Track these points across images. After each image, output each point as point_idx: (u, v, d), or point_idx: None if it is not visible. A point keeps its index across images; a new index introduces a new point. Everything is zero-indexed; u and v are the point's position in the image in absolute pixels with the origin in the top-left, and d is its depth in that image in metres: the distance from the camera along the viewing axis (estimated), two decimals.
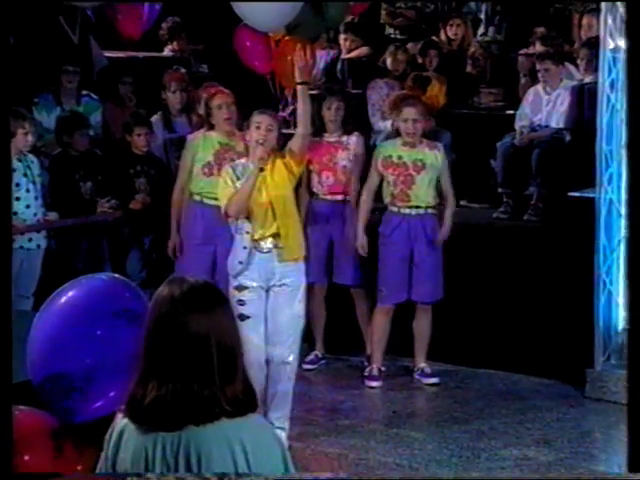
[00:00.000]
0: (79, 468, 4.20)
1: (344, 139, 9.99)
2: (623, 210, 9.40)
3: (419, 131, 9.52)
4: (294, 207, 8.71)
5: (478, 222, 10.99)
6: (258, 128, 8.50)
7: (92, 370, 4.30)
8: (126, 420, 3.87)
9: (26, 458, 4.33)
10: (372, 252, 9.73)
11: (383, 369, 9.83)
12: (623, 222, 9.42)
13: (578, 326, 9.52)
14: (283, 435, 8.37)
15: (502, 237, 10.75)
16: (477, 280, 10.18)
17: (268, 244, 8.42)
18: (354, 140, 10.08)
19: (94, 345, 4.41)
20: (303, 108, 8.65)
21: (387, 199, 9.64)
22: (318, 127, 9.94)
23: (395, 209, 9.60)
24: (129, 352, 3.97)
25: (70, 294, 4.73)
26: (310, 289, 9.53)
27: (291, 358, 8.53)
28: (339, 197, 10.01)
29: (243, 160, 8.71)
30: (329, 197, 10.00)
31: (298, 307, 8.58)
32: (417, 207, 9.56)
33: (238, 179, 8.55)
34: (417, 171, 9.45)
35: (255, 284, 8.46)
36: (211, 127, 9.63)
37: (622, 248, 9.44)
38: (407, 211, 9.57)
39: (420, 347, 9.79)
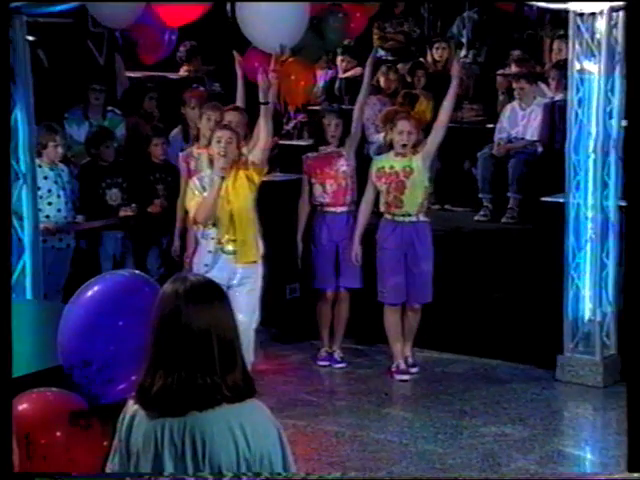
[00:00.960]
0: (105, 444, 4.14)
1: (341, 149, 9.85)
2: (589, 213, 9.36)
3: (411, 142, 9.39)
4: (253, 215, 8.72)
5: (461, 224, 10.93)
6: (219, 142, 8.55)
7: (115, 356, 4.27)
8: (136, 406, 3.88)
9: (58, 434, 4.28)
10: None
11: (411, 360, 9.68)
12: (589, 224, 9.38)
13: (549, 317, 9.49)
14: None
15: (482, 238, 10.76)
16: (460, 276, 10.15)
17: (230, 247, 8.55)
18: (347, 149, 9.92)
19: (117, 334, 4.40)
20: (264, 125, 8.68)
21: (382, 208, 9.50)
22: (318, 140, 9.97)
23: (389, 216, 9.46)
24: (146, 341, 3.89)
25: (96, 289, 4.70)
26: (322, 295, 9.72)
27: (241, 317, 8.20)
28: (344, 208, 9.78)
29: (208, 172, 8.72)
30: (332, 209, 9.76)
31: (251, 303, 8.68)
32: (409, 215, 9.39)
33: (204, 189, 8.63)
34: (406, 176, 9.34)
35: (218, 281, 8.41)
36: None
37: (588, 247, 9.40)
38: (401, 219, 9.41)
39: (408, 343, 9.65)
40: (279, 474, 3.86)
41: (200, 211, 8.65)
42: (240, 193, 8.60)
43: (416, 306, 9.55)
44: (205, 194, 8.63)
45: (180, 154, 9.99)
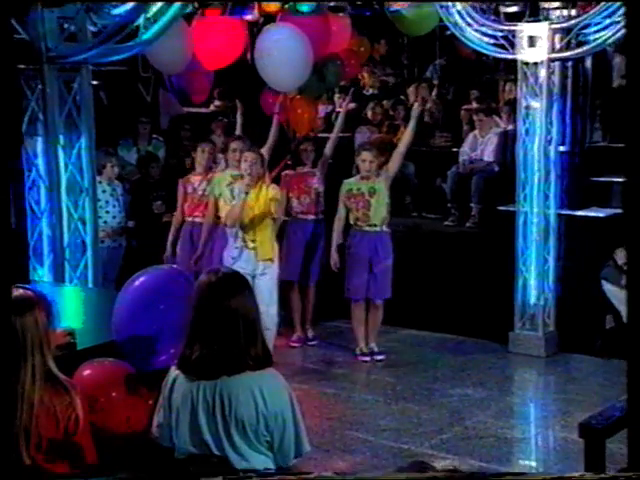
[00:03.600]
0: (150, 402, 4.10)
1: (314, 170, 9.73)
2: (534, 219, 9.42)
3: (373, 169, 9.13)
4: (270, 222, 8.63)
5: (433, 228, 10.86)
6: (246, 161, 8.51)
7: (157, 333, 4.26)
8: (178, 371, 3.91)
9: (113, 394, 4.25)
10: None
11: (376, 350, 9.38)
12: (534, 228, 9.45)
13: (503, 301, 9.52)
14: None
15: (450, 239, 10.69)
16: (432, 270, 10.08)
17: (252, 245, 8.51)
18: (319, 170, 9.82)
19: (158, 316, 4.38)
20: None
21: (352, 221, 9.25)
22: (295, 163, 9.86)
23: (358, 227, 9.21)
24: (182, 321, 3.95)
25: (142, 279, 4.66)
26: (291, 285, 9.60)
27: (271, 323, 8.42)
28: (312, 216, 9.64)
29: (238, 184, 8.66)
30: (304, 216, 9.65)
31: (273, 283, 8.64)
32: (375, 225, 9.17)
33: (233, 198, 8.64)
34: (371, 196, 9.10)
35: (243, 272, 8.39)
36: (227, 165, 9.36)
37: (534, 247, 9.47)
38: (367, 229, 9.18)
39: (372, 333, 9.39)
40: (284, 473, 3.84)
41: (229, 216, 8.66)
42: (262, 204, 8.54)
43: (378, 302, 9.31)
44: (234, 202, 8.62)
45: (180, 180, 9.72)
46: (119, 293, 4.76)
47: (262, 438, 3.84)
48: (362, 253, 9.21)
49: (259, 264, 8.58)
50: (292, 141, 11.07)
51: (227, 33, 10.39)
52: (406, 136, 9.39)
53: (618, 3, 8.76)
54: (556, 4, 9.19)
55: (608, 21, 8.97)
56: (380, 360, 9.34)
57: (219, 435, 3.83)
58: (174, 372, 3.93)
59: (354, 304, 9.36)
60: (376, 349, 9.41)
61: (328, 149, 9.79)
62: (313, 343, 9.85)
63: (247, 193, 8.47)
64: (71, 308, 5.98)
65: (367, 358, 9.34)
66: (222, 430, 3.82)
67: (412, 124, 9.40)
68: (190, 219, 9.50)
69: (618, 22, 8.87)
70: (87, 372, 4.32)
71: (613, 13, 8.90)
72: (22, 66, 6.76)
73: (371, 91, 14.01)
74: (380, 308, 9.35)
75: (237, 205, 8.55)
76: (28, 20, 6.79)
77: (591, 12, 9.11)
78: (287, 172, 9.85)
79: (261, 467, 3.86)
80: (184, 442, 3.88)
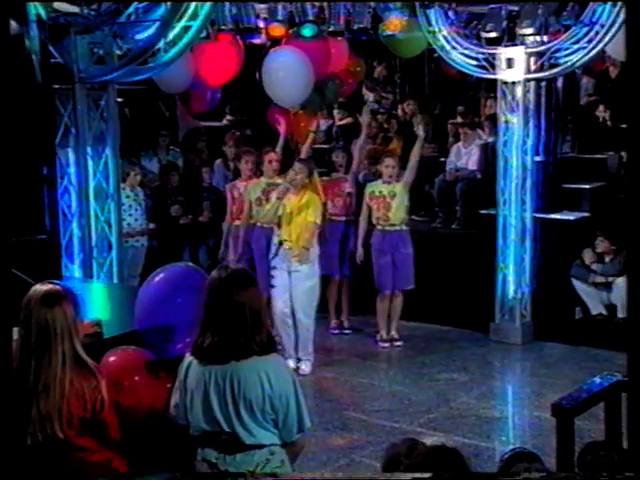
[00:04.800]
0: (168, 385, 4.08)
1: (347, 176, 9.70)
2: (513, 222, 9.40)
3: (395, 173, 9.18)
4: (311, 226, 8.38)
5: (422, 229, 10.74)
6: (292, 170, 8.42)
7: (175, 324, 4.25)
8: (192, 357, 3.90)
9: (136, 378, 4.24)
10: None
11: (396, 336, 9.36)
12: (513, 230, 9.40)
13: (485, 296, 9.50)
14: (309, 364, 8.40)
15: (438, 240, 10.60)
16: (422, 267, 9.77)
17: (287, 245, 8.32)
18: (350, 178, 9.81)
19: (176, 308, 4.37)
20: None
21: (374, 221, 9.24)
22: (330, 169, 9.82)
23: (381, 227, 9.20)
24: (197, 313, 3.92)
25: (162, 275, 4.65)
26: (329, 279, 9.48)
27: (302, 317, 8.35)
28: (344, 218, 9.56)
29: (275, 190, 8.55)
30: (338, 218, 9.52)
31: (309, 285, 8.39)
32: (395, 225, 9.16)
33: (268, 202, 8.58)
34: (392, 198, 9.12)
35: (280, 267, 8.33)
36: (262, 173, 9.20)
37: (512, 246, 9.43)
38: (388, 228, 9.17)
39: (394, 322, 9.38)
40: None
41: (264, 216, 8.61)
42: (303, 210, 8.36)
43: (398, 292, 9.31)
44: (267, 206, 8.57)
45: (226, 185, 9.74)
46: (141, 288, 4.76)
47: (268, 416, 3.84)
48: (385, 250, 9.19)
49: (294, 262, 8.35)
50: (295, 151, 11.06)
51: (224, 55, 10.57)
52: (416, 152, 9.33)
53: (585, 29, 8.87)
54: (531, 31, 9.20)
55: (576, 46, 9.07)
56: (399, 346, 9.33)
57: (229, 414, 3.82)
58: (188, 358, 3.92)
59: (380, 296, 9.34)
60: (396, 336, 9.40)
61: (356, 159, 9.73)
62: (348, 332, 9.80)
63: (280, 199, 8.34)
64: (98, 301, 6.01)
65: (387, 344, 9.33)
66: (232, 409, 3.82)
67: (419, 143, 9.37)
68: (238, 222, 9.34)
69: (584, 47, 9.01)
70: (112, 358, 4.32)
71: (580, 39, 9.01)
72: (56, 86, 6.79)
73: (377, 106, 14.01)
74: (401, 297, 9.35)
75: (271, 208, 8.45)
76: (63, 46, 6.83)
77: (561, 39, 9.16)
78: (323, 178, 9.70)
79: (267, 442, 3.86)
80: (198, 420, 3.88)
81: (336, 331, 9.80)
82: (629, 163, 2.96)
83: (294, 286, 8.33)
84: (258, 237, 9.00)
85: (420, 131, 9.48)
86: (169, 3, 6.84)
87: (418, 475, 3.04)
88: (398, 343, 9.38)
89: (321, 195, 8.71)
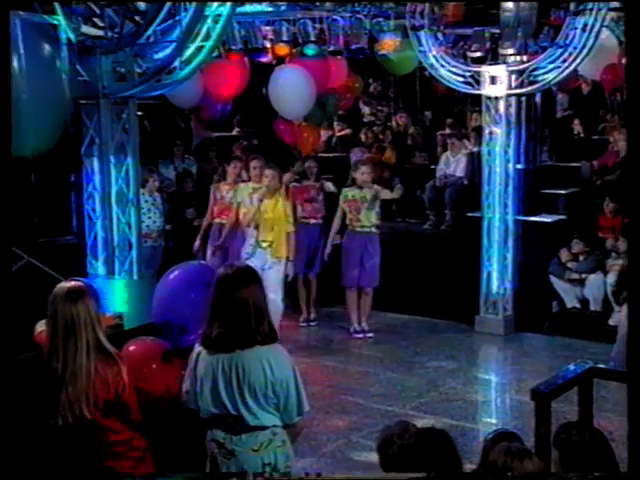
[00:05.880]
0: (183, 373, 4.05)
1: (316, 184, 9.76)
2: (497, 224, 9.34)
3: (368, 180, 9.06)
4: (283, 225, 8.47)
5: (414, 231, 10.78)
6: (266, 176, 8.45)
7: (189, 317, 4.23)
8: (201, 347, 3.89)
9: (154, 366, 4.23)
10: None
11: (367, 328, 9.32)
12: (496, 231, 9.37)
13: (471, 291, 9.49)
14: None
15: (428, 240, 10.59)
16: (414, 265, 9.97)
17: (266, 245, 8.38)
18: (324, 183, 9.90)
19: (190, 302, 4.35)
20: None
21: (347, 222, 9.14)
22: (302, 176, 9.84)
23: (352, 228, 9.11)
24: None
25: (176, 272, 4.63)
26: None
27: (272, 295, 7.93)
28: (314, 220, 9.62)
29: (256, 194, 8.55)
30: (306, 220, 9.56)
31: (277, 270, 8.43)
32: (364, 227, 9.06)
33: (252, 205, 8.53)
34: (362, 203, 9.02)
35: (255, 265, 8.27)
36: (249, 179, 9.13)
37: (496, 246, 9.39)
38: (359, 229, 9.08)
39: (364, 315, 9.30)
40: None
41: (245, 218, 8.56)
42: (276, 212, 8.41)
43: (367, 289, 9.22)
44: (250, 207, 8.53)
45: (211, 186, 9.67)
46: (158, 284, 4.74)
47: (270, 400, 3.82)
48: (354, 249, 9.12)
49: (269, 260, 8.41)
50: (298, 159, 11.07)
51: (232, 72, 10.64)
52: (386, 196, 9.32)
53: (560, 50, 8.95)
54: (511, 51, 9.24)
55: (552, 66, 9.13)
56: (370, 337, 9.26)
57: (235, 398, 3.81)
58: (198, 348, 3.91)
59: (348, 291, 9.28)
60: (367, 328, 9.35)
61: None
62: (314, 324, 9.78)
63: (261, 201, 8.38)
64: (119, 296, 6.00)
65: (360, 335, 9.28)
66: (237, 394, 3.81)
67: (391, 195, 9.39)
68: (218, 220, 9.44)
69: (559, 67, 9.07)
70: (132, 347, 4.31)
71: (555, 60, 9.09)
72: (83, 101, 6.81)
73: (371, 118, 14.02)
74: (370, 294, 9.27)
75: (252, 209, 8.46)
76: (89, 65, 6.86)
77: (538, 59, 9.20)
78: (294, 184, 9.79)
79: (270, 424, 3.85)
80: (207, 404, 3.87)
81: (304, 324, 9.72)
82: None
83: (268, 281, 8.19)
84: (241, 237, 8.96)
85: (395, 193, 9.40)
86: (184, 25, 6.85)
87: (415, 475, 2.97)
88: (370, 334, 9.29)
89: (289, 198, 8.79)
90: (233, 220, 9.11)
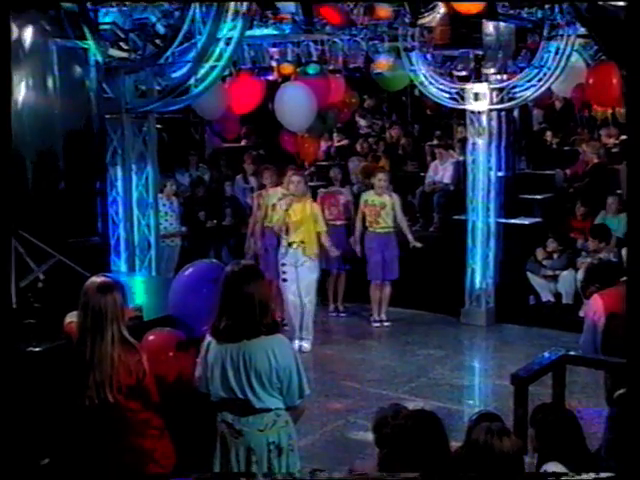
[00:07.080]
0: (196, 360, 4.04)
1: (342, 189, 9.86)
2: (480, 226, 9.35)
3: (385, 186, 9.17)
4: (312, 226, 8.27)
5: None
6: (292, 183, 8.29)
7: (201, 310, 4.19)
8: (211, 338, 3.88)
9: (170, 354, 4.22)
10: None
11: (385, 318, 9.34)
12: (480, 232, 9.36)
13: (456, 286, 9.47)
14: (309, 343, 8.29)
15: (419, 241, 10.09)
16: (405, 263, 9.73)
17: (296, 245, 8.22)
18: (346, 189, 10.00)
19: (203, 297, 4.32)
20: None
21: (367, 224, 9.20)
22: (328, 183, 9.91)
23: (372, 229, 9.19)
24: None
25: (191, 269, 4.60)
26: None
27: (307, 302, 8.25)
28: (339, 222, 9.58)
29: (284, 202, 8.36)
30: (334, 222, 9.42)
31: (313, 278, 8.28)
32: (383, 228, 9.16)
33: (280, 209, 8.39)
34: (382, 208, 9.12)
35: (289, 264, 8.22)
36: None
37: (479, 246, 9.38)
38: (379, 230, 9.16)
39: (384, 306, 9.36)
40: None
41: (275, 222, 8.41)
42: (306, 215, 8.22)
43: (387, 282, 9.31)
44: (279, 212, 8.32)
45: (254, 194, 9.48)
46: (174, 280, 4.73)
47: (274, 385, 3.82)
48: (375, 248, 9.18)
49: (301, 258, 8.22)
50: (301, 168, 11.05)
51: (250, 89, 10.56)
52: (404, 229, 9.33)
53: (535, 70, 9.00)
54: (493, 70, 9.25)
55: (528, 84, 9.20)
56: (387, 326, 9.30)
57: (242, 383, 3.81)
58: (208, 338, 3.90)
59: (373, 285, 9.32)
60: (385, 318, 9.38)
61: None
62: (343, 315, 9.76)
63: (289, 205, 8.19)
64: (139, 291, 6.00)
65: (378, 324, 9.31)
66: (244, 380, 3.80)
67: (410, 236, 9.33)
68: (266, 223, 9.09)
69: (535, 85, 9.15)
70: (151, 337, 4.31)
71: (532, 79, 9.17)
72: (108, 115, 6.82)
73: (367, 130, 14.03)
74: (389, 286, 9.33)
75: (281, 213, 8.29)
76: (114, 83, 6.87)
77: (517, 78, 9.25)
78: (322, 190, 9.83)
79: (274, 406, 3.84)
80: (216, 389, 3.86)
81: (333, 313, 9.75)
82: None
83: (301, 279, 8.21)
84: (269, 237, 8.87)
85: (415, 244, 9.34)
86: (199, 47, 6.86)
87: (413, 475, 2.95)
88: (387, 324, 9.35)
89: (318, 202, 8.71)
90: (261, 222, 8.93)
